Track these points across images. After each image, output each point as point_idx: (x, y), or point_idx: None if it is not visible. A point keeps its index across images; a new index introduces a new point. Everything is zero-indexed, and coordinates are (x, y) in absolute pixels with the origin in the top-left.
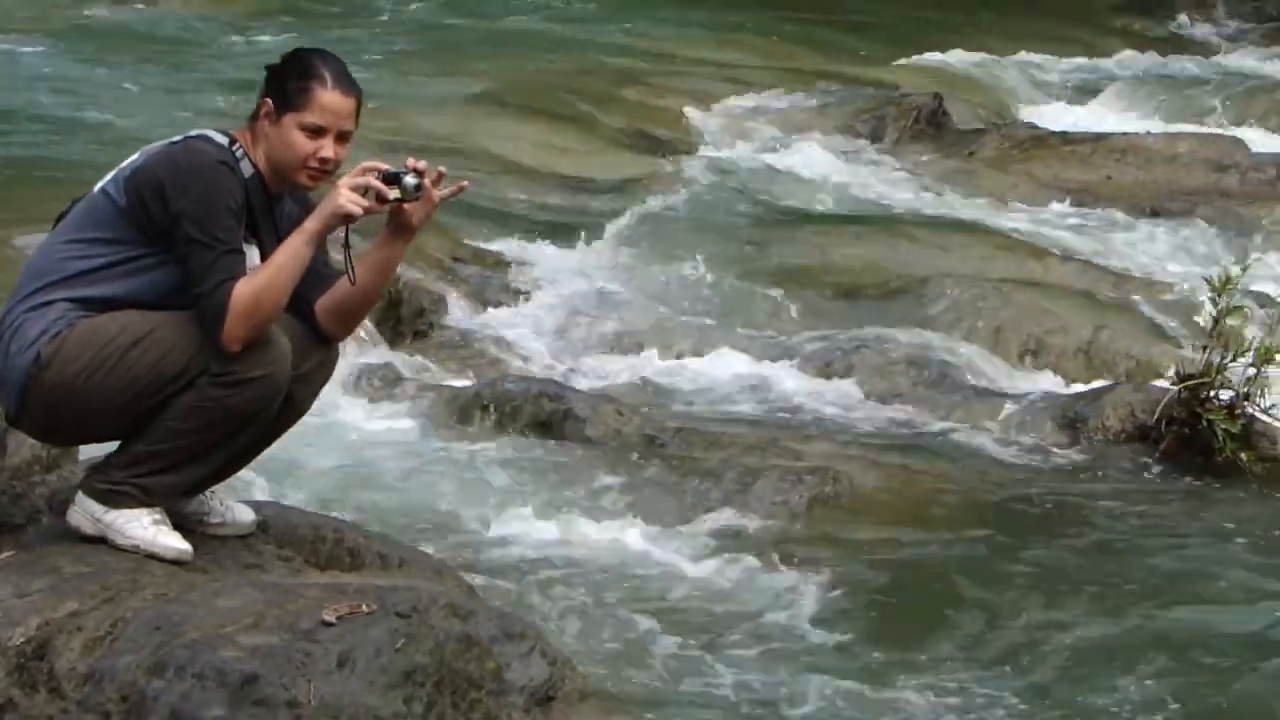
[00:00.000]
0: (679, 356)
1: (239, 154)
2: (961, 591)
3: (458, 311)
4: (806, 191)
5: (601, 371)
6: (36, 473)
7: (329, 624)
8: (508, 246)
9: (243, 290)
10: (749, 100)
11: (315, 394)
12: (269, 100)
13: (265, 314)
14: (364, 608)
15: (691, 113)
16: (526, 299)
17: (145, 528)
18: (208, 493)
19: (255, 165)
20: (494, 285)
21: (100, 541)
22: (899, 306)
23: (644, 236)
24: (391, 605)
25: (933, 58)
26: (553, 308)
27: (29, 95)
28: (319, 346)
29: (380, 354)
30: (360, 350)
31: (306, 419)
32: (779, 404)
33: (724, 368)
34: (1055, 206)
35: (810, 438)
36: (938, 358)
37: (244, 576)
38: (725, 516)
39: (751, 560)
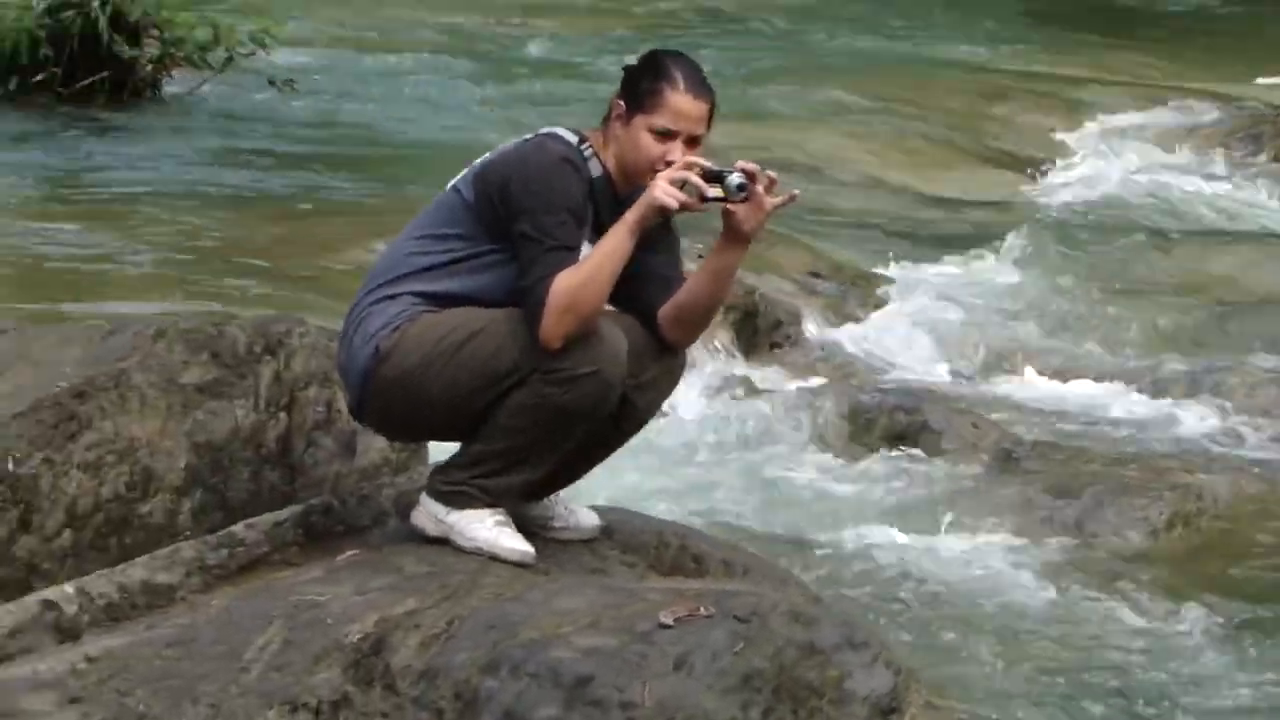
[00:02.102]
0: (1042, 373)
1: (587, 153)
2: None
3: (815, 324)
4: (1180, 209)
5: (960, 386)
6: (385, 475)
7: (666, 626)
8: (868, 260)
9: (561, 285)
10: (1119, 118)
11: (659, 402)
12: (621, 101)
13: (586, 310)
14: (702, 610)
15: (1061, 130)
16: (885, 313)
17: (489, 529)
18: (552, 497)
19: (604, 165)
20: (852, 299)
21: (444, 543)
22: (1273, 324)
23: (1010, 253)
24: (730, 609)
25: None
26: (911, 323)
27: (395, 110)
28: (663, 354)
29: (735, 365)
30: (715, 361)
31: (658, 422)
32: (1143, 421)
33: (1087, 384)
34: None
35: (1173, 455)
36: None
37: (586, 580)
38: (1082, 532)
39: (1107, 578)
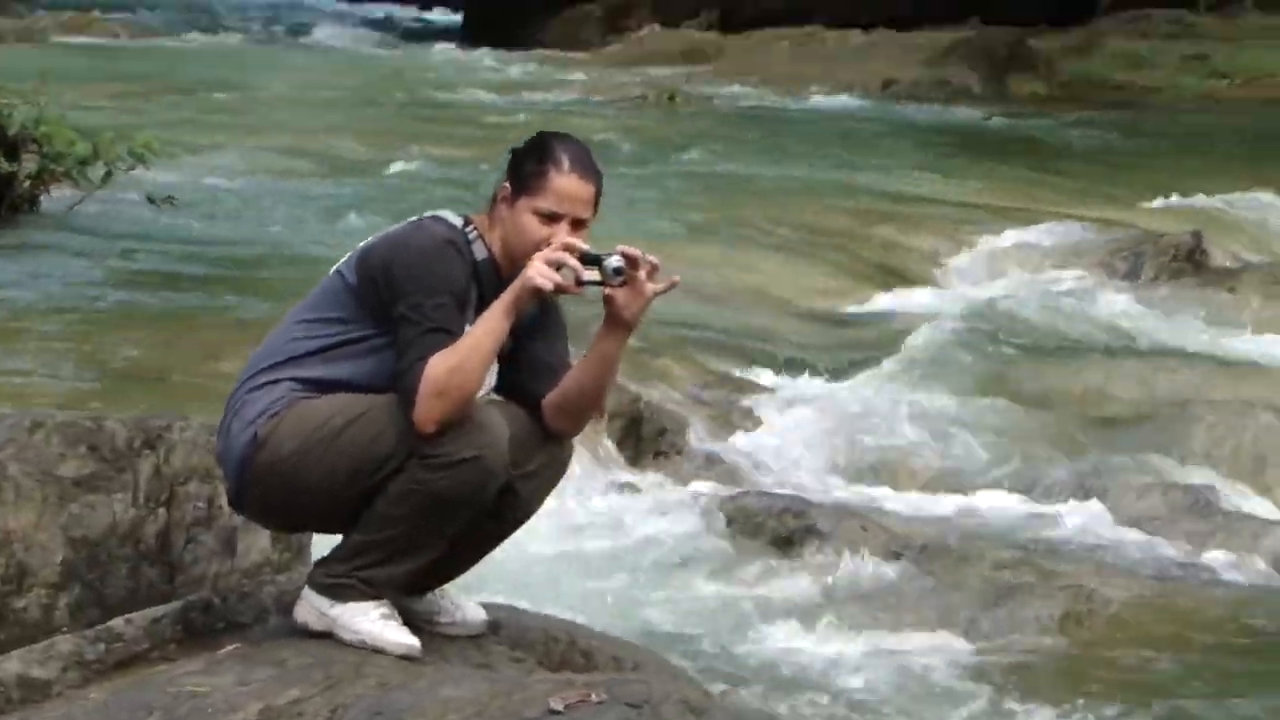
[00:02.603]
0: (926, 482)
1: (471, 236)
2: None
3: (701, 434)
4: (1062, 324)
5: (846, 494)
6: (266, 574)
7: (556, 713)
8: (755, 374)
9: (435, 369)
10: (1003, 239)
11: (544, 493)
12: (507, 184)
13: (460, 393)
14: (593, 697)
15: (945, 250)
16: (772, 425)
17: (373, 621)
18: (437, 591)
19: (489, 249)
20: (739, 410)
21: (327, 636)
22: (1156, 433)
23: (894, 366)
24: (621, 696)
25: (1184, 200)
26: (796, 433)
27: (273, 227)
28: (547, 443)
29: (620, 473)
30: (600, 467)
31: (544, 524)
32: (1029, 527)
33: (972, 491)
34: None
35: (1062, 558)
36: (1195, 484)
37: (473, 670)
38: (974, 632)
39: (1000, 676)
